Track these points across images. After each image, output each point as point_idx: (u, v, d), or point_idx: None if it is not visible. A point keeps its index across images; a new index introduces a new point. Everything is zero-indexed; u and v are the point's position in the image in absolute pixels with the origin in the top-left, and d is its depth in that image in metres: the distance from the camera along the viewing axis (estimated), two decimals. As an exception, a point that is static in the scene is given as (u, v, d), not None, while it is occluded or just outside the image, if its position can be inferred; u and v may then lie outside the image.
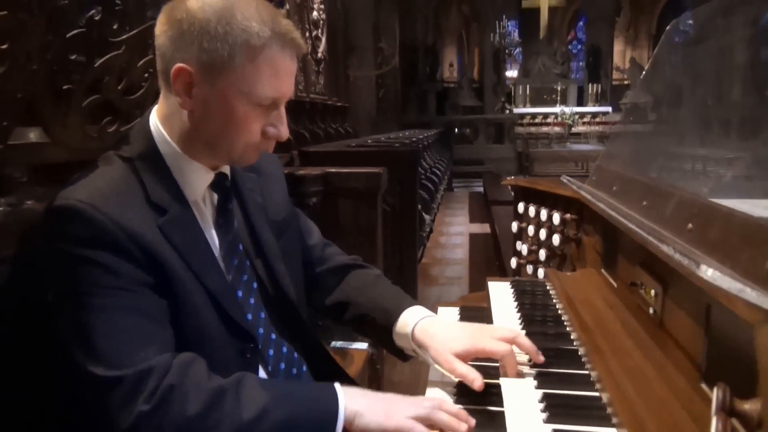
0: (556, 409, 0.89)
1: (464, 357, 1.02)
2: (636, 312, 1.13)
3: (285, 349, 1.11)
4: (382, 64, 9.96)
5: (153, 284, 0.91)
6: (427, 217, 5.48)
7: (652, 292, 1.02)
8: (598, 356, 1.04)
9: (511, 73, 18.11)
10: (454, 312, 1.45)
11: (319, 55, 6.69)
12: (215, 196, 1.06)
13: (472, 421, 0.90)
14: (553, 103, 16.38)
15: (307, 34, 6.13)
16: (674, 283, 0.95)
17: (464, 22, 20.64)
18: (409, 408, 0.90)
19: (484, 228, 6.61)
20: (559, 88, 16.69)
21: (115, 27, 1.31)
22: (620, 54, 19.47)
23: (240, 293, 1.05)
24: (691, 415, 0.78)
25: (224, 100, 0.94)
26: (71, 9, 1.24)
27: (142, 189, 0.96)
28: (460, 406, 0.96)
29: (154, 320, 0.89)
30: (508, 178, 1.88)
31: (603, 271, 1.46)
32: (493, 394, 1.00)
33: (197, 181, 1.02)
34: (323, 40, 6.73)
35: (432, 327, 1.09)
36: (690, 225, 0.84)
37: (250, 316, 1.05)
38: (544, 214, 1.67)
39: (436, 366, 1.07)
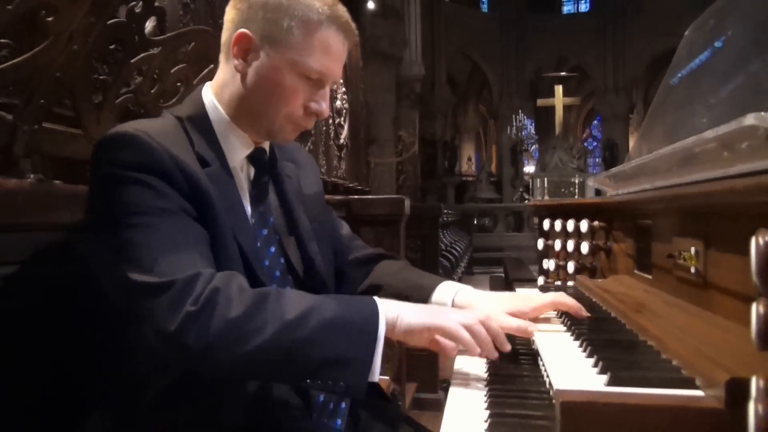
0: (598, 348, 0.82)
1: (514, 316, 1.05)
2: (676, 289, 1.07)
3: None
4: (402, 151, 10.26)
5: (196, 217, 0.93)
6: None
7: (693, 250, 0.97)
8: (640, 316, 0.97)
9: (529, 168, 18.45)
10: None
11: (342, 141, 6.94)
12: (252, 170, 1.09)
13: (507, 346, 0.94)
14: (571, 196, 16.48)
15: (331, 121, 6.40)
16: (715, 230, 0.91)
17: (482, 121, 21.44)
18: (455, 314, 0.94)
19: (507, 307, 6.43)
20: (576, 181, 16.88)
21: (153, 25, 1.38)
22: (636, 150, 19.81)
23: (266, 263, 1.06)
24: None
25: (275, 70, 1.00)
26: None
27: (189, 141, 1.00)
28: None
29: (199, 242, 0.91)
30: (533, 200, 1.86)
31: (636, 272, 1.40)
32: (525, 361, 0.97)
33: (238, 149, 1.06)
34: (345, 127, 7.01)
35: (476, 293, 1.11)
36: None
37: (275, 287, 1.03)
38: (571, 224, 1.63)
39: None
